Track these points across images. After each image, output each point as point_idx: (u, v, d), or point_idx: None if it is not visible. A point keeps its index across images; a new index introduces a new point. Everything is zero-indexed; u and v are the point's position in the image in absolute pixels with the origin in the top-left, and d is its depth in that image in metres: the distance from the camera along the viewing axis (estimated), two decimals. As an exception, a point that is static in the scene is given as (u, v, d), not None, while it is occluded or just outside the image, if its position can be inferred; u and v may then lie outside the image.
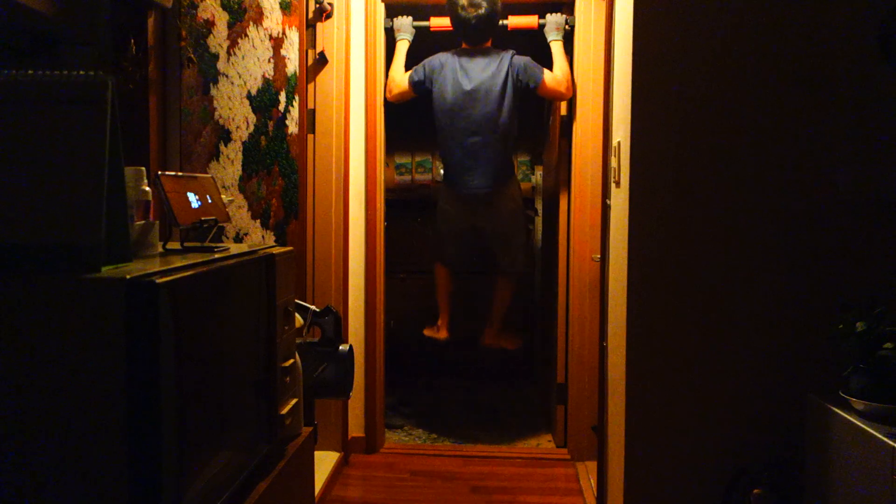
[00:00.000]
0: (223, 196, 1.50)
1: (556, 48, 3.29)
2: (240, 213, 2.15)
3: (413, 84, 3.35)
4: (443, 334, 3.63)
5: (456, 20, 3.26)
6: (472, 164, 3.34)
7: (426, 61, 3.38)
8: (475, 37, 3.30)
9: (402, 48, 3.37)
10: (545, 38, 3.33)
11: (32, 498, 0.90)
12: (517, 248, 3.57)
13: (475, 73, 3.29)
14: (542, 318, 4.10)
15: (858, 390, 1.55)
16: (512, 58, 3.29)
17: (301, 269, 2.88)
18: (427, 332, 3.68)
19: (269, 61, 2.36)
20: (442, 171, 3.66)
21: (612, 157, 2.19)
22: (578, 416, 3.21)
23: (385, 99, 3.31)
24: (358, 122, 3.22)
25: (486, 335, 3.63)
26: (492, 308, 3.62)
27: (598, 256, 2.47)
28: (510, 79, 3.27)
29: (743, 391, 1.89)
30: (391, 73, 3.37)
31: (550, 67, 3.30)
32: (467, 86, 3.28)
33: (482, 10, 3.19)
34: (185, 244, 1.29)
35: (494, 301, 3.61)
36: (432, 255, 3.73)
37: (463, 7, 3.21)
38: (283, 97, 2.51)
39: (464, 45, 3.38)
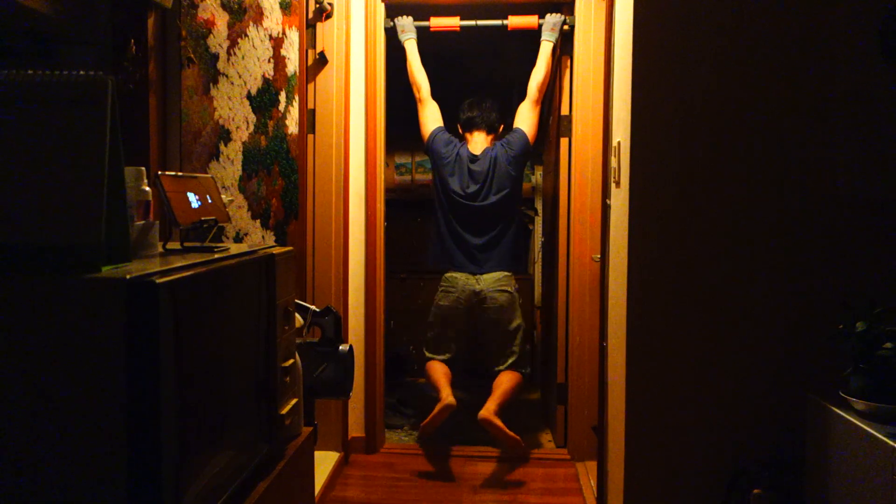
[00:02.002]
0: (223, 196, 1.50)
1: (545, 48, 3.32)
2: (240, 213, 2.15)
3: (429, 135, 3.45)
4: (449, 400, 3.07)
5: (463, 118, 3.53)
6: (475, 258, 3.41)
7: (438, 142, 3.43)
8: (478, 130, 3.50)
9: (412, 48, 3.39)
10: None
11: (32, 498, 0.90)
12: (513, 344, 3.34)
13: (478, 178, 3.40)
14: (543, 318, 4.10)
15: (858, 390, 1.55)
16: (503, 145, 3.41)
17: (301, 269, 2.88)
18: (428, 421, 3.06)
19: (269, 61, 2.36)
20: (435, 248, 3.49)
21: (612, 157, 2.19)
22: (578, 416, 3.21)
23: (384, 99, 3.31)
24: (358, 122, 3.22)
25: (484, 408, 3.09)
26: (492, 390, 3.21)
27: (598, 256, 2.47)
28: (506, 161, 3.38)
29: (743, 391, 1.89)
30: (417, 80, 3.43)
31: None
32: (472, 189, 3.39)
33: (485, 105, 3.49)
34: (185, 244, 1.29)
35: (495, 386, 3.23)
36: (426, 351, 3.42)
37: (464, 111, 3.52)
38: (283, 97, 2.51)
39: (468, 143, 3.48)
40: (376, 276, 3.30)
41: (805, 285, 1.87)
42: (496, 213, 3.37)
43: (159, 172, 1.23)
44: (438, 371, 3.27)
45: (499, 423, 3.03)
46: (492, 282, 3.34)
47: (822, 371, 1.79)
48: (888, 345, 1.53)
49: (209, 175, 1.73)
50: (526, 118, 3.40)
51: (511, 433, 3.03)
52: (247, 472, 1.23)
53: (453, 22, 3.35)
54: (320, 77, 3.03)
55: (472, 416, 3.21)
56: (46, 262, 0.92)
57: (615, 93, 2.18)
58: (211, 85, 1.91)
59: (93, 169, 0.93)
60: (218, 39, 1.95)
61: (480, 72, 4.64)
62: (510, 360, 3.32)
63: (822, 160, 1.86)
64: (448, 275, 3.41)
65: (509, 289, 3.37)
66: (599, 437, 2.39)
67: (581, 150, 3.15)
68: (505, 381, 3.23)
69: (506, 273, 3.38)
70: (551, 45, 3.31)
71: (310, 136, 3.01)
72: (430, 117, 3.45)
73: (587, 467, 3.03)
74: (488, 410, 3.05)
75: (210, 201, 1.36)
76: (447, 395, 3.10)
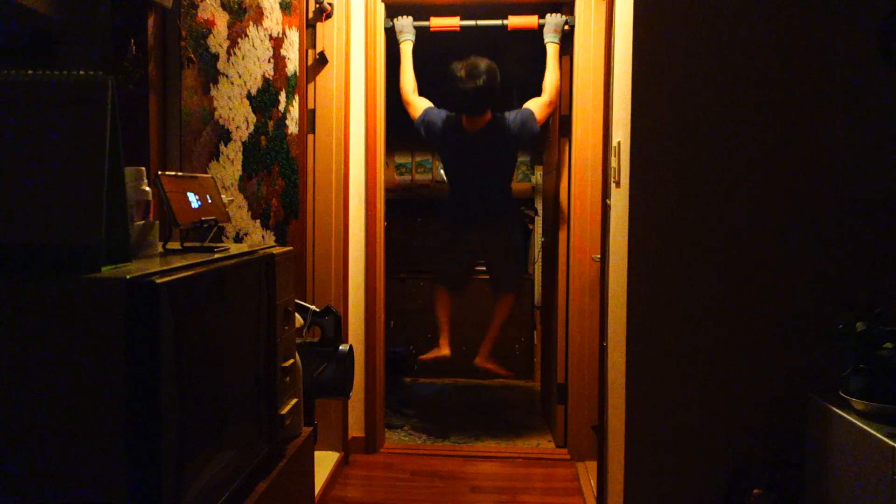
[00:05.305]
0: (223, 196, 1.50)
1: (551, 50, 3.31)
2: (240, 213, 2.15)
3: (418, 132, 3.50)
4: (445, 351, 3.65)
5: (454, 92, 3.37)
6: (475, 215, 3.62)
7: (430, 123, 3.44)
8: (474, 108, 3.40)
9: (407, 50, 3.38)
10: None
11: (33, 498, 0.90)
12: (510, 272, 3.79)
13: (478, 158, 3.46)
14: (543, 318, 4.10)
15: (858, 390, 1.55)
16: (510, 122, 3.39)
17: (301, 269, 2.88)
18: (425, 357, 3.71)
19: (269, 61, 2.36)
20: (445, 177, 3.83)
21: (612, 157, 2.19)
22: (578, 416, 3.21)
23: (384, 99, 3.31)
24: (358, 122, 3.22)
25: (478, 356, 3.69)
26: (487, 330, 3.72)
27: (598, 256, 2.47)
28: (512, 142, 3.41)
29: (743, 391, 1.89)
30: (403, 80, 3.43)
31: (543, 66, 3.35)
32: (472, 170, 3.52)
33: (480, 82, 3.30)
34: (185, 244, 1.29)
35: (490, 324, 3.72)
36: (435, 279, 3.85)
37: (461, 79, 3.32)
38: (283, 97, 2.51)
39: (465, 121, 3.45)
40: (376, 276, 3.30)
41: (805, 285, 1.87)
42: (494, 183, 3.53)
43: (159, 172, 1.23)
44: (442, 307, 3.70)
45: (490, 366, 3.69)
46: (492, 220, 3.61)
47: (822, 371, 1.79)
48: (888, 345, 1.53)
49: (209, 175, 1.73)
50: (536, 104, 3.37)
51: (502, 371, 3.79)
52: (247, 472, 1.23)
53: (453, 22, 3.35)
54: (320, 77, 3.02)
55: (471, 413, 3.25)
56: (46, 262, 0.92)
57: (615, 93, 2.18)
58: (211, 85, 1.91)
59: (93, 169, 0.93)
60: (218, 39, 1.95)
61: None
62: (507, 285, 3.74)
63: (822, 160, 1.86)
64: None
65: (509, 226, 3.70)
66: (599, 437, 2.39)
67: (581, 150, 3.15)
68: (497, 315, 3.69)
69: (506, 215, 3.68)
70: (557, 46, 3.31)
71: (310, 136, 3.01)
72: (420, 103, 3.46)
73: (587, 467, 3.03)
74: (482, 356, 3.68)
75: (210, 201, 1.36)
76: (444, 346, 3.65)
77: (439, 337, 3.69)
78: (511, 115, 3.43)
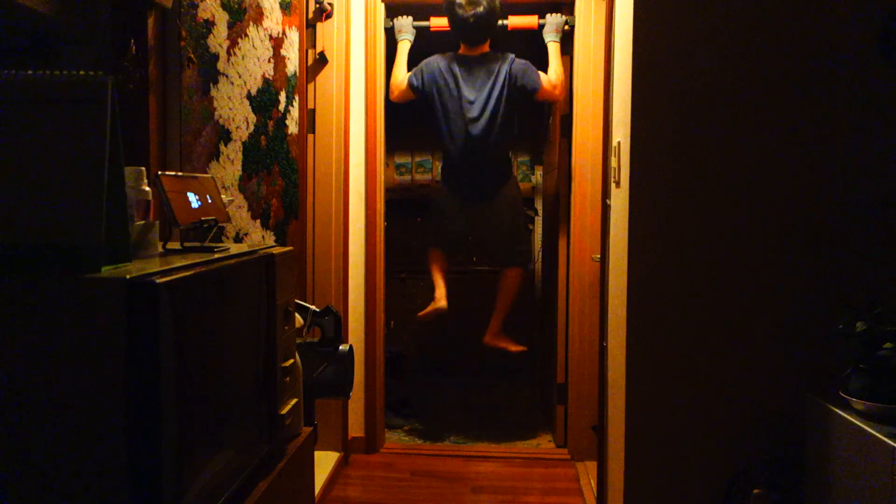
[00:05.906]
0: (223, 196, 1.50)
1: (553, 49, 3.31)
2: (240, 213, 2.14)
3: (412, 88, 3.38)
4: (442, 304, 3.46)
5: (454, 20, 3.23)
6: (471, 172, 3.45)
7: (424, 66, 3.38)
8: (473, 37, 3.30)
9: (403, 49, 3.38)
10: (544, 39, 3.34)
11: (33, 498, 0.90)
12: (515, 244, 3.61)
13: (475, 85, 3.32)
14: (543, 317, 4.10)
15: (858, 390, 1.55)
16: (512, 63, 3.30)
17: (301, 269, 2.88)
18: (423, 314, 3.49)
19: (269, 61, 2.35)
20: (441, 168, 3.69)
21: (612, 157, 2.19)
22: (578, 416, 3.21)
23: (384, 99, 3.31)
24: (358, 122, 3.22)
25: (487, 333, 3.55)
26: (495, 305, 3.57)
27: (598, 256, 2.47)
28: (509, 85, 3.29)
29: (743, 391, 1.89)
30: (393, 74, 3.39)
31: (546, 68, 3.32)
32: (468, 96, 3.32)
33: (480, 9, 3.16)
34: (185, 244, 1.29)
35: (498, 297, 3.56)
36: (429, 240, 3.68)
37: (461, 6, 3.18)
38: (283, 97, 2.51)
39: (462, 49, 3.37)
40: (376, 276, 3.30)
41: (805, 285, 1.87)
42: (492, 138, 3.34)
43: (159, 172, 1.23)
44: (437, 266, 3.55)
45: (501, 343, 3.50)
46: (489, 189, 3.47)
47: (822, 371, 1.79)
48: (888, 345, 1.53)
49: (209, 175, 1.73)
50: (542, 76, 3.29)
51: (515, 347, 3.51)
52: (247, 472, 1.23)
53: (453, 22, 3.34)
54: (320, 77, 3.03)
55: (471, 414, 3.23)
56: (46, 262, 0.92)
57: (615, 93, 2.18)
58: (211, 85, 1.91)
59: (93, 169, 0.93)
60: (218, 39, 1.95)
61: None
62: (514, 258, 3.57)
63: (822, 159, 1.86)
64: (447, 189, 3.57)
65: (508, 193, 3.50)
66: (599, 437, 2.39)
67: (581, 150, 3.15)
68: (502, 293, 3.53)
69: (501, 186, 3.48)
70: (558, 45, 3.31)
71: (310, 136, 3.01)
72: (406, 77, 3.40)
73: (587, 467, 3.03)
74: (490, 334, 3.52)
75: (210, 201, 1.36)
76: (440, 299, 3.46)
77: (434, 290, 3.50)
78: (513, 56, 3.32)
